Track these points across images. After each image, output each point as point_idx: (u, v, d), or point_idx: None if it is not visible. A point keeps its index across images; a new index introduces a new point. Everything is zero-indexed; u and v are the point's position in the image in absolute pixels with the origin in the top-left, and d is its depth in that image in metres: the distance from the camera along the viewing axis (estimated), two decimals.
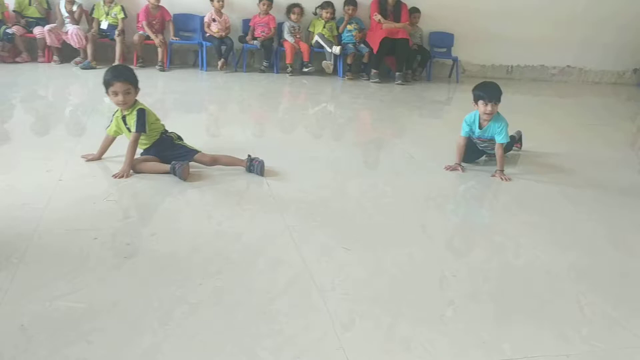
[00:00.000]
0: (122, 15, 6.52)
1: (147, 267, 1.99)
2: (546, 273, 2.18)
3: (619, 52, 8.43)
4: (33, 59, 6.45)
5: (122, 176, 2.82)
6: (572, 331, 1.78)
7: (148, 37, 6.52)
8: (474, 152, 3.57)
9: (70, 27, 6.32)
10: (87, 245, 2.09)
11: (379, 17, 6.80)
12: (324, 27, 6.97)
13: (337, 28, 7.09)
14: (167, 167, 2.89)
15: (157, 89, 5.60)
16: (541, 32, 7.89)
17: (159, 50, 6.52)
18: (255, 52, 7.22)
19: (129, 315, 1.68)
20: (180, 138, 3.14)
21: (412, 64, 7.29)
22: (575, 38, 8.14)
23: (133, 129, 2.93)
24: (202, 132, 4.08)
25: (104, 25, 6.52)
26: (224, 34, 6.74)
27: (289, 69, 6.85)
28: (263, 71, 6.96)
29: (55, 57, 6.45)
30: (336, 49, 6.85)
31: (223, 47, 6.73)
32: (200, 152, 3.08)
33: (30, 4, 6.45)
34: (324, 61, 6.99)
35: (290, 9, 6.95)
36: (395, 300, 1.89)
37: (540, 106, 6.55)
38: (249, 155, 3.10)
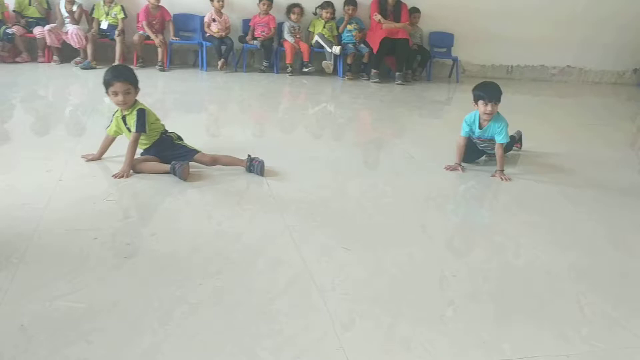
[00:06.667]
0: (122, 15, 6.53)
1: (147, 267, 1.99)
2: (546, 273, 2.18)
3: (619, 52, 8.43)
4: (33, 59, 6.45)
5: (122, 176, 2.82)
6: (572, 331, 1.78)
7: (148, 37, 6.52)
8: (474, 152, 3.57)
9: (70, 27, 6.32)
10: (87, 245, 2.09)
11: (379, 17, 6.80)
12: (324, 27, 6.97)
13: (337, 28, 7.09)
14: (167, 167, 2.89)
15: (157, 89, 5.60)
16: (541, 32, 7.89)
17: (159, 50, 6.52)
18: (255, 52, 7.22)
19: (129, 315, 1.68)
20: (180, 138, 3.14)
21: (412, 64, 7.29)
22: (575, 38, 8.15)
23: (133, 129, 2.93)
24: (202, 132, 4.08)
25: (104, 25, 6.52)
26: (224, 34, 6.74)
27: (289, 69, 6.85)
28: (263, 71, 6.96)
29: (55, 57, 6.45)
30: (336, 49, 6.85)
31: (223, 47, 6.73)
32: (200, 152, 3.08)
33: (30, 4, 6.45)
34: (324, 61, 6.99)
35: (290, 9, 6.95)
36: (395, 300, 1.89)
37: (540, 106, 6.56)
38: (249, 155, 3.10)
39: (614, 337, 1.78)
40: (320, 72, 7.06)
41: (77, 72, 6.13)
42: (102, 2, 6.51)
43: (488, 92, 3.30)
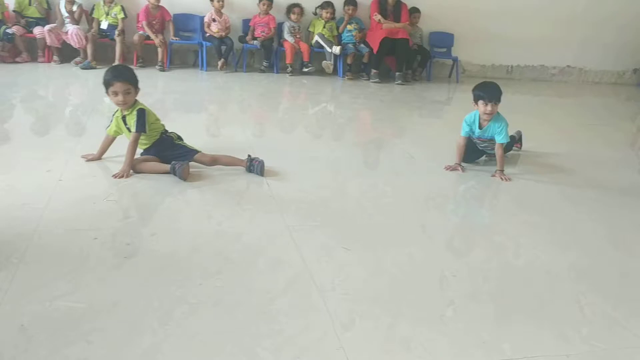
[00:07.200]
0: (122, 15, 6.53)
1: (147, 267, 1.99)
2: (546, 273, 2.18)
3: (619, 52, 8.43)
4: (33, 59, 6.46)
5: (122, 176, 2.82)
6: (572, 331, 1.78)
7: (148, 37, 6.52)
8: (474, 152, 3.57)
9: (70, 27, 6.32)
10: (87, 245, 2.09)
11: (379, 17, 6.80)
12: (324, 27, 6.98)
13: (337, 28, 7.09)
14: (167, 167, 2.89)
15: (157, 89, 5.60)
16: (541, 32, 7.90)
17: (159, 50, 6.52)
18: (255, 52, 7.22)
19: (129, 315, 1.68)
20: (180, 138, 3.14)
21: (412, 64, 7.29)
22: (575, 38, 8.15)
23: (133, 129, 2.93)
24: (202, 132, 4.08)
25: (104, 25, 6.52)
26: (224, 34, 6.74)
27: (289, 69, 6.85)
28: (263, 71, 6.96)
29: (55, 57, 6.46)
30: (336, 49, 6.85)
31: (223, 47, 6.73)
32: (200, 152, 3.08)
33: (30, 4, 6.45)
34: (324, 61, 6.99)
35: (290, 9, 6.95)
36: (395, 300, 1.89)
37: (540, 106, 6.56)
38: (249, 155, 3.10)
39: (614, 337, 1.78)
40: (320, 72, 7.06)
41: (77, 72, 6.13)
42: (102, 2, 6.51)
43: (488, 92, 3.29)
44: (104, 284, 1.85)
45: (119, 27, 6.49)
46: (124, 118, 2.97)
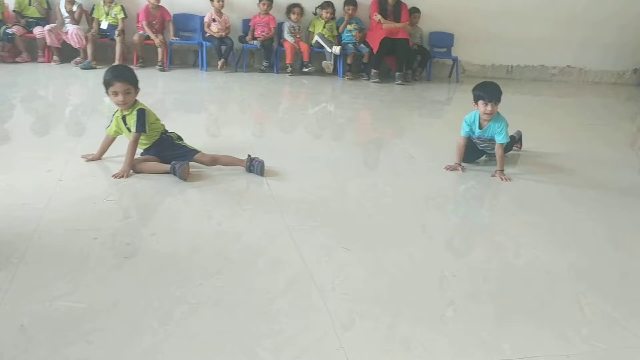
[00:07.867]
0: (122, 15, 6.53)
1: (147, 267, 1.99)
2: (546, 273, 2.18)
3: (619, 52, 8.43)
4: (33, 59, 6.46)
5: (122, 176, 2.82)
6: (572, 331, 1.78)
7: (148, 37, 6.52)
8: (474, 152, 3.57)
9: (70, 27, 6.32)
10: (87, 245, 2.09)
11: (379, 17, 6.80)
12: (324, 27, 6.98)
13: (337, 28, 7.09)
14: (167, 167, 2.89)
15: (157, 89, 5.60)
16: (541, 32, 7.90)
17: (159, 50, 6.52)
18: (255, 52, 7.23)
19: (129, 315, 1.68)
20: (180, 138, 3.14)
21: (412, 64, 7.29)
22: (575, 38, 8.15)
23: (133, 129, 2.93)
24: (202, 132, 4.08)
25: (104, 25, 6.53)
26: (224, 34, 6.74)
27: (289, 69, 6.85)
28: (263, 71, 6.96)
29: (55, 57, 6.46)
30: (336, 49, 6.85)
31: (223, 47, 6.73)
32: (200, 152, 3.08)
33: (30, 4, 6.46)
34: (324, 61, 6.99)
35: (290, 9, 6.95)
36: (395, 300, 1.89)
37: (540, 106, 6.56)
38: (249, 155, 3.10)
39: (614, 337, 1.78)
40: (320, 72, 7.06)
41: (77, 72, 6.13)
42: (102, 2, 6.51)
43: (488, 92, 3.30)
44: (104, 284, 1.85)
45: (119, 27, 6.50)
46: (124, 118, 2.97)
